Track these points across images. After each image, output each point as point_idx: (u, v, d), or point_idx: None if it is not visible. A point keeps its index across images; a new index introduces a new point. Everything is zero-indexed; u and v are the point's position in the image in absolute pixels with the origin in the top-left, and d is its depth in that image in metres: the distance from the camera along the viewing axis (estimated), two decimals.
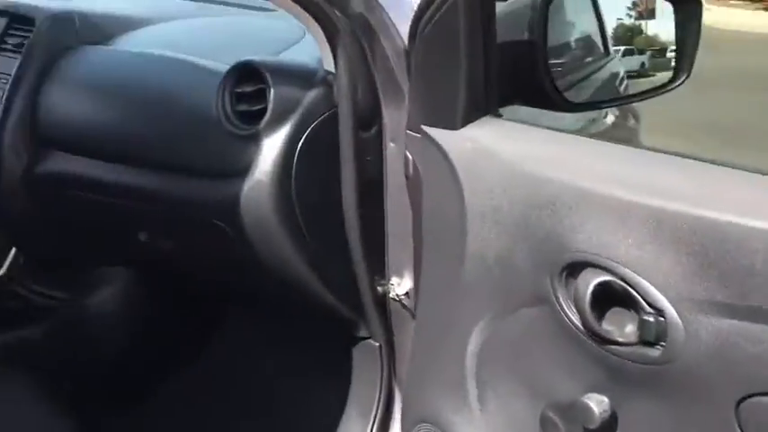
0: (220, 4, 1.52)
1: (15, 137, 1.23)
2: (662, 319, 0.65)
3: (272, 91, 1.00)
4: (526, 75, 0.90)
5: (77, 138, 1.21)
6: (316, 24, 0.99)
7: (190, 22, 1.38)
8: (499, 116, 0.87)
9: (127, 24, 1.35)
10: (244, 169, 1.03)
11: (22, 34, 1.26)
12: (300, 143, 1.02)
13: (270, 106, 1.00)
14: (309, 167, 1.04)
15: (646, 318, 0.66)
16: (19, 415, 1.06)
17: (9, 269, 1.51)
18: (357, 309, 1.19)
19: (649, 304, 0.66)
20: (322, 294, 1.18)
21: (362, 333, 1.25)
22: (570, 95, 0.96)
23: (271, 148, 1.01)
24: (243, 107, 1.03)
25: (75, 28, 1.27)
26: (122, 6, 1.41)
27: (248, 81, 1.03)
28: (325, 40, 1.00)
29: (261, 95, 1.01)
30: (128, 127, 1.15)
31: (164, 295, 1.53)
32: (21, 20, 1.28)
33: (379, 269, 1.09)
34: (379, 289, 1.11)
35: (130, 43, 1.29)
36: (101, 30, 1.31)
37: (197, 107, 1.07)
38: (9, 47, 1.27)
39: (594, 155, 0.81)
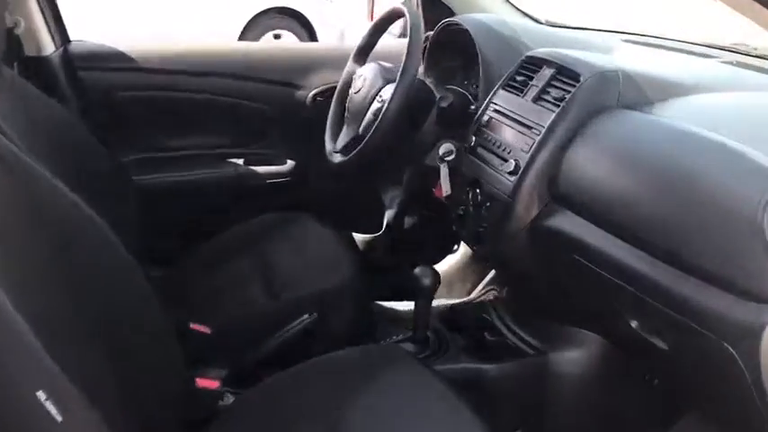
0: None
1: (533, 186, 1.25)
2: None
3: None
4: None
5: (589, 201, 1.16)
6: None
7: (738, 97, 1.22)
8: None
9: (670, 89, 1.25)
10: None
11: (565, 88, 1.26)
12: None
13: None
14: None
15: None
16: None
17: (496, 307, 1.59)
18: None
19: None
20: None
21: None
22: None
23: None
24: None
25: (618, 88, 1.22)
26: (668, 68, 1.32)
27: None
28: None
29: None
30: (646, 207, 1.05)
31: (629, 377, 1.42)
32: (567, 73, 1.28)
33: None
34: None
35: (669, 112, 1.19)
36: (643, 93, 1.23)
37: (737, 209, 0.91)
38: (549, 99, 1.28)
39: None
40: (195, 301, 1.56)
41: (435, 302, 2.15)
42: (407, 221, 2.21)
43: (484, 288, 2.13)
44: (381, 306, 1.65)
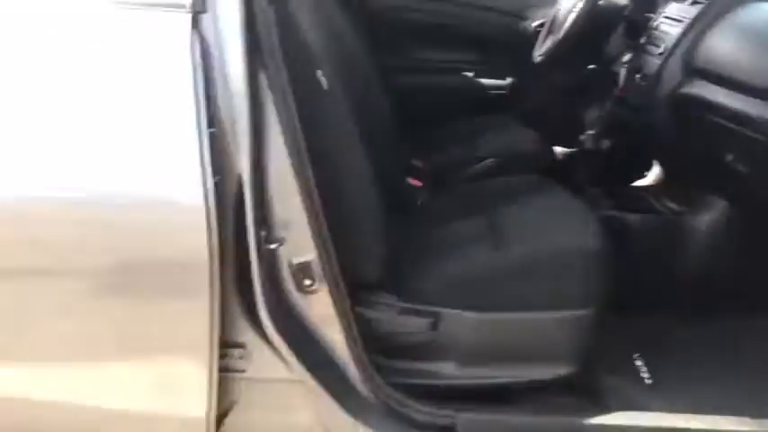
0: None
1: (676, 63, 1.63)
2: None
3: None
4: None
5: (722, 72, 1.51)
6: None
7: None
8: None
9: None
10: None
11: None
12: None
13: None
14: None
15: None
16: None
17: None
18: None
19: None
20: None
21: None
22: None
23: None
24: None
25: None
26: None
27: None
28: None
29: None
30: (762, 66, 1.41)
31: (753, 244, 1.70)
32: None
33: None
34: None
35: None
36: None
37: None
38: (702, 1, 1.65)
39: None
40: None
41: None
42: (604, 144, 2.56)
43: None
44: None
